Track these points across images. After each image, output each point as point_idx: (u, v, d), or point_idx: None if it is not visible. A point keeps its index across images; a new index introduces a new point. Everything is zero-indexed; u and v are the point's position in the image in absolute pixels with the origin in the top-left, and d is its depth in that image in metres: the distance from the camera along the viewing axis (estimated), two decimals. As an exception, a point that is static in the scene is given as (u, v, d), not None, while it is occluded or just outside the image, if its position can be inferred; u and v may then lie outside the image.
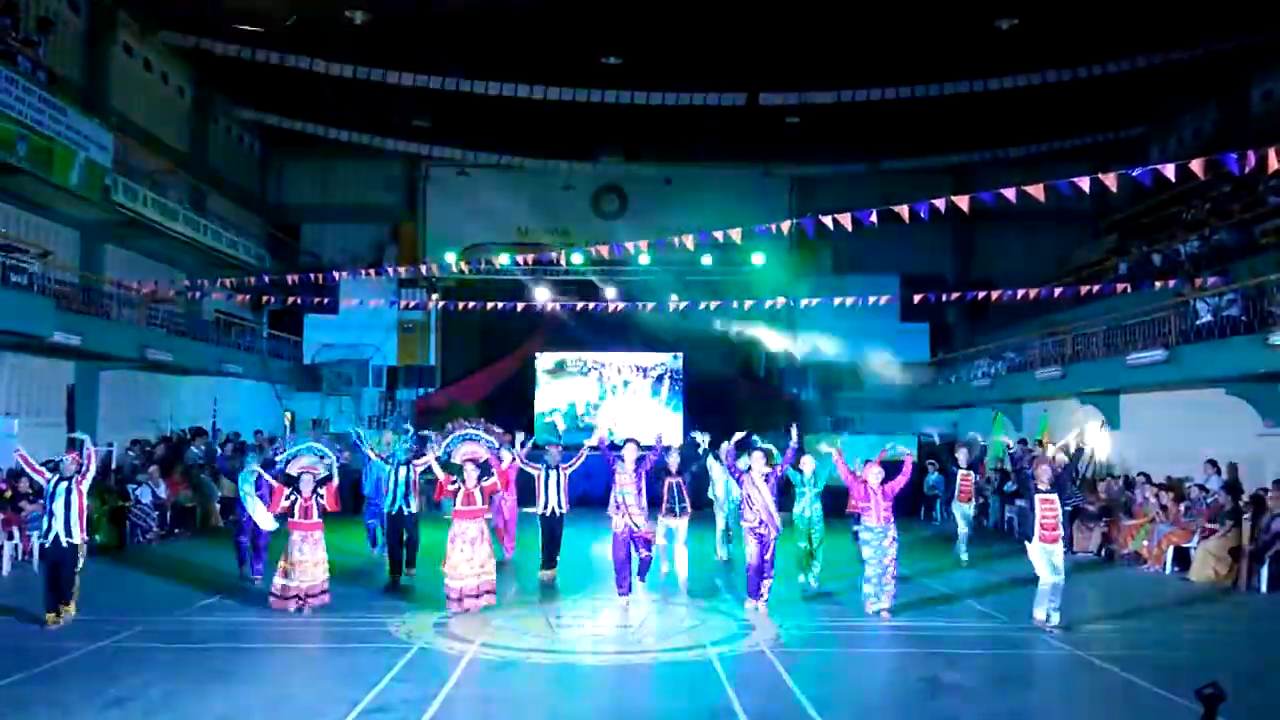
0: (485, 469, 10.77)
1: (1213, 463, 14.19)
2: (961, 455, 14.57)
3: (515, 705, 7.00)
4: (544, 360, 27.00)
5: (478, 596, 10.08)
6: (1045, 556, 9.36)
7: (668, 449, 11.84)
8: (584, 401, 26.74)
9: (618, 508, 10.47)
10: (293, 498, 10.03)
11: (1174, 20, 18.12)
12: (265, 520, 10.81)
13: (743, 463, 10.72)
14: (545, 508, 12.19)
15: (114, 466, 16.71)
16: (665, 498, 11.56)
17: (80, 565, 9.48)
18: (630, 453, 10.64)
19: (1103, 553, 14.58)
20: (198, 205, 21.66)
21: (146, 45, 20.76)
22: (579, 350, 26.80)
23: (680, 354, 26.70)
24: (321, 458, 10.81)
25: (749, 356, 27.40)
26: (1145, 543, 13.61)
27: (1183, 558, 12.95)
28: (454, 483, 10.42)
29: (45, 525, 9.49)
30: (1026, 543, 9.59)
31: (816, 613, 10.19)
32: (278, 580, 9.93)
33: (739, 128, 22.94)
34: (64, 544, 9.30)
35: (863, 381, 25.48)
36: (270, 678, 7.67)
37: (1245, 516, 12.22)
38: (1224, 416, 14.30)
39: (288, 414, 24.78)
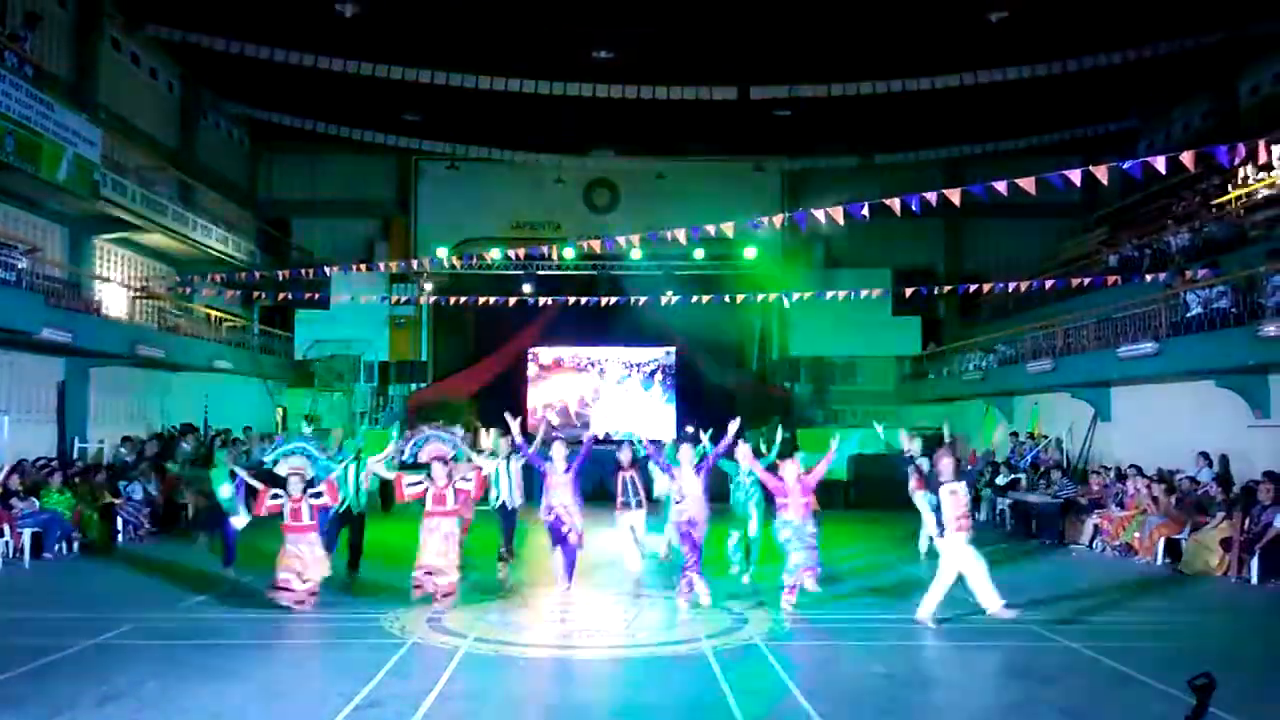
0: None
1: (1204, 454, 14.25)
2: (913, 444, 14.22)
3: (509, 700, 6.99)
4: (536, 355, 27.04)
5: (448, 595, 9.85)
6: (956, 549, 9.16)
7: (619, 444, 11.79)
8: (576, 397, 26.79)
9: (548, 510, 10.46)
10: (281, 499, 9.74)
11: (1163, 14, 18.20)
12: (239, 517, 10.84)
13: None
14: (498, 500, 11.47)
15: (105, 463, 16.66)
16: (620, 492, 11.35)
17: None
18: (559, 451, 10.59)
19: (1094, 544, 14.65)
20: (187, 201, 21.55)
21: (134, 40, 20.68)
22: (571, 345, 26.85)
23: (673, 349, 26.76)
24: (310, 458, 10.69)
25: (741, 350, 27.44)
26: (1136, 534, 13.67)
27: (1174, 549, 12.99)
28: (419, 483, 10.17)
29: None
30: (940, 539, 9.39)
31: (810, 606, 10.20)
32: (280, 574, 9.64)
33: (730, 122, 22.92)
34: None
35: (855, 374, 25.58)
36: (264, 674, 7.64)
37: (1236, 508, 12.29)
38: (1214, 408, 14.37)
39: (279, 409, 24.73)
